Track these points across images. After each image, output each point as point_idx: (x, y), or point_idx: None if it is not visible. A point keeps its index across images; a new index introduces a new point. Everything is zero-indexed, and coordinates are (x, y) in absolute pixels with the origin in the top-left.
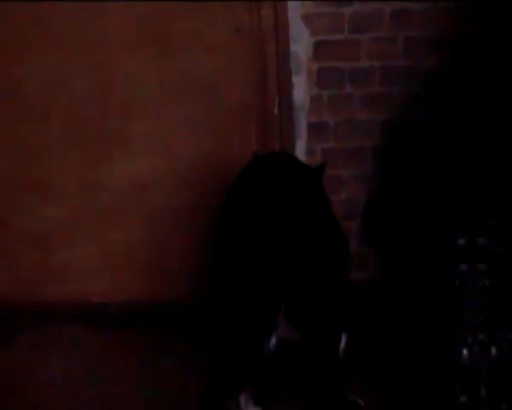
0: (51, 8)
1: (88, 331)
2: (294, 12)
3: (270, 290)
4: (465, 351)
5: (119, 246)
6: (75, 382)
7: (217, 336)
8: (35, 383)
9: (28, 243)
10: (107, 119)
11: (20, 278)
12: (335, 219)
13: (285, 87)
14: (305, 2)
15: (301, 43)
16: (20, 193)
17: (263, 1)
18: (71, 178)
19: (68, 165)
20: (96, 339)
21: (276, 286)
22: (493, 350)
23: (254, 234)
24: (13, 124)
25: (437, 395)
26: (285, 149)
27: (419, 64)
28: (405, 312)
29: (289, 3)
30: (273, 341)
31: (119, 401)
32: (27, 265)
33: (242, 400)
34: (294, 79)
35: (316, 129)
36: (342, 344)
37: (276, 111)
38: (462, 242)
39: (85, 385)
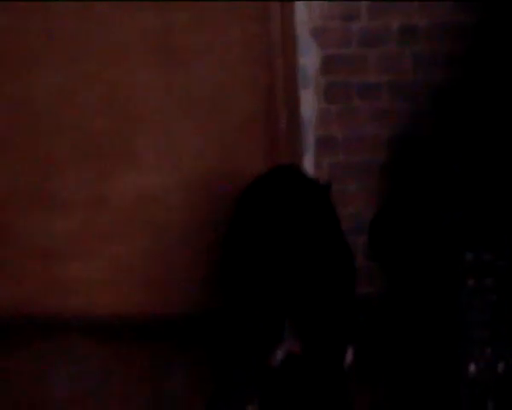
0: (59, 21)
1: (94, 344)
2: (303, 26)
3: (276, 304)
4: (472, 366)
5: (126, 259)
6: (81, 394)
7: (222, 349)
8: (41, 395)
9: (35, 256)
10: (115, 132)
11: (26, 291)
12: (342, 233)
13: (293, 101)
14: (313, 16)
15: (309, 57)
16: (27, 206)
17: (271, 13)
18: (78, 191)
19: (76, 178)
20: (102, 352)
21: (282, 300)
22: (500, 365)
23: (261, 249)
24: (20, 137)
25: None
26: (294, 164)
27: (427, 79)
28: (412, 326)
29: (297, 17)
30: (279, 355)
31: None
32: (33, 277)
33: None
34: (302, 93)
35: (323, 143)
36: (348, 358)
37: (283, 124)
38: (468, 257)
39: (91, 398)
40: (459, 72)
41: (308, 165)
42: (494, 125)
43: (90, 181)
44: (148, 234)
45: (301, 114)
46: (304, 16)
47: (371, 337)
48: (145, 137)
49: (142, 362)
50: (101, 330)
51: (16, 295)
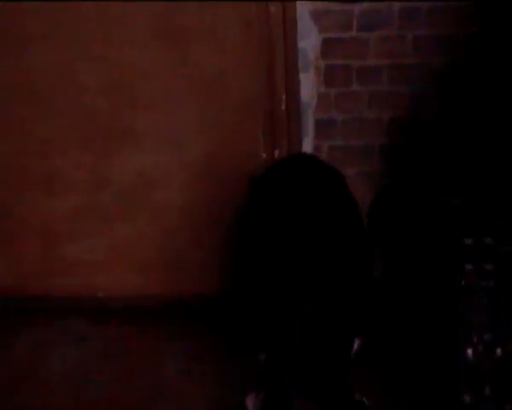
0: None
1: (93, 325)
2: (303, 8)
3: (295, 289)
4: (470, 351)
5: (126, 240)
6: (79, 376)
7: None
8: (39, 376)
9: (34, 236)
10: (116, 112)
11: (25, 271)
12: (361, 221)
13: (292, 84)
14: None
15: (309, 40)
16: (26, 185)
17: None
18: (78, 171)
19: (76, 158)
20: (101, 333)
21: (300, 284)
22: (498, 350)
23: (282, 233)
24: (21, 115)
25: (441, 394)
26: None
27: (427, 63)
28: (410, 310)
29: (298, 0)
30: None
31: (123, 395)
32: (33, 258)
33: (250, 402)
34: (302, 76)
35: (323, 126)
36: (355, 348)
37: (283, 107)
38: (468, 241)
39: (89, 379)
40: (460, 55)
41: (307, 148)
42: (495, 108)
43: (90, 161)
44: (148, 215)
45: (301, 97)
46: None
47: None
48: (146, 118)
49: (142, 344)
50: (100, 311)
51: (16, 275)
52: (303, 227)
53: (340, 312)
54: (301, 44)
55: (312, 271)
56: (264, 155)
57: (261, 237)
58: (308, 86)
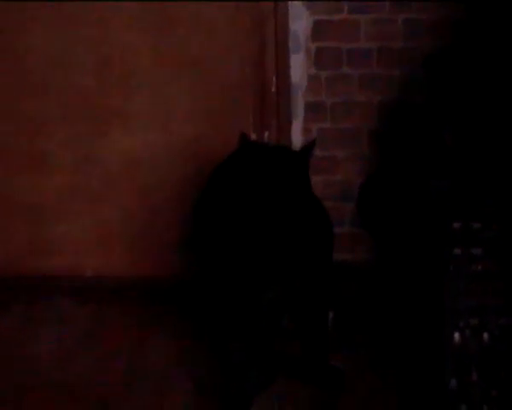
0: None
1: (80, 305)
2: None
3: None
4: (457, 335)
5: (113, 220)
6: (66, 355)
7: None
8: (26, 355)
9: (21, 216)
10: (105, 93)
11: (12, 251)
12: (319, 201)
13: (283, 66)
14: None
15: (300, 23)
16: (14, 166)
17: None
18: (66, 151)
19: (64, 138)
20: (88, 313)
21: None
22: (485, 335)
23: (234, 215)
24: (9, 96)
25: (427, 379)
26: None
27: (418, 46)
28: (398, 294)
29: None
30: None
31: (108, 375)
32: (20, 238)
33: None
34: (292, 58)
35: (313, 109)
36: (329, 321)
37: (273, 90)
38: (456, 226)
39: (76, 359)
40: (450, 39)
41: (297, 130)
42: (484, 92)
43: (77, 141)
44: (136, 195)
45: (291, 79)
46: None
47: (357, 304)
48: (135, 99)
49: (129, 323)
50: (86, 291)
51: (2, 255)
52: (253, 206)
53: (311, 291)
54: (292, 26)
55: (280, 253)
56: (253, 137)
57: (221, 220)
58: (298, 68)
